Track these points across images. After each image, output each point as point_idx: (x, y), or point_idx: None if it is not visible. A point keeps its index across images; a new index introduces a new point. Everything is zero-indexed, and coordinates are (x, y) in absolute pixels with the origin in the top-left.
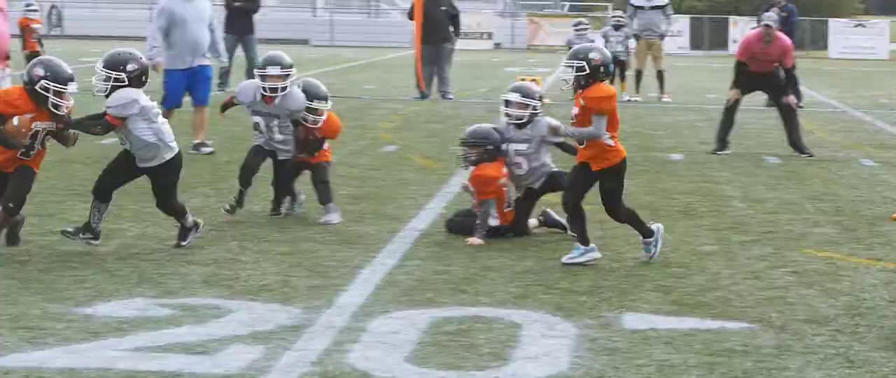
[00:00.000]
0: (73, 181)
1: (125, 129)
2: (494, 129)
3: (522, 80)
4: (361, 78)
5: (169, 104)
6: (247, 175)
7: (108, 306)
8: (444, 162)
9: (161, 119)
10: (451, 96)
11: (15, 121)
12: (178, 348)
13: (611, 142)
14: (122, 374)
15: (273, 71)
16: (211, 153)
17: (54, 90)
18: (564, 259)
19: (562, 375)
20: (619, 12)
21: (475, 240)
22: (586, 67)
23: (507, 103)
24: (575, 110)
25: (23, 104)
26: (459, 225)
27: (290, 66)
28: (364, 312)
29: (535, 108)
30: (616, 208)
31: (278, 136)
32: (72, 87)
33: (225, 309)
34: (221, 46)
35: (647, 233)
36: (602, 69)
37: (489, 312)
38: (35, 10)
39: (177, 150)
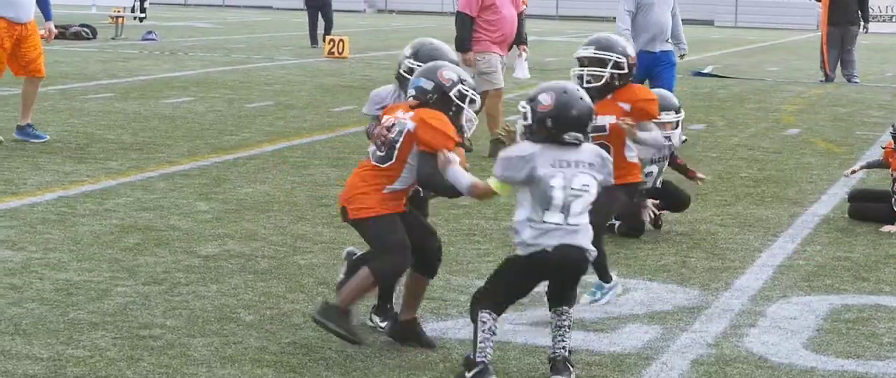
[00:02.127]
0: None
1: None
2: None
3: None
4: (765, 59)
5: None
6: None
7: None
8: (848, 146)
9: None
10: (856, 80)
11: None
12: (576, 325)
13: (636, 157)
14: (519, 348)
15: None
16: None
17: (471, 97)
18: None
19: None
20: None
21: (891, 228)
22: (625, 65)
23: None
24: (608, 119)
25: (455, 131)
26: (864, 211)
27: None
28: (762, 296)
29: None
30: (599, 230)
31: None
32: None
33: (623, 288)
34: (682, 34)
35: (606, 277)
36: (635, 70)
37: (891, 301)
38: None
39: None
